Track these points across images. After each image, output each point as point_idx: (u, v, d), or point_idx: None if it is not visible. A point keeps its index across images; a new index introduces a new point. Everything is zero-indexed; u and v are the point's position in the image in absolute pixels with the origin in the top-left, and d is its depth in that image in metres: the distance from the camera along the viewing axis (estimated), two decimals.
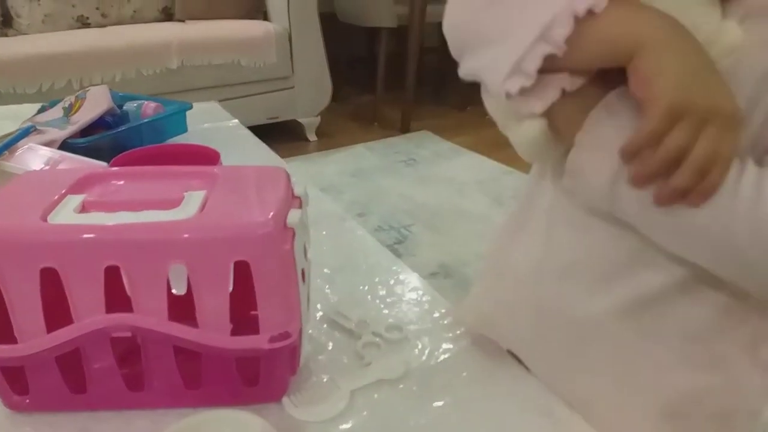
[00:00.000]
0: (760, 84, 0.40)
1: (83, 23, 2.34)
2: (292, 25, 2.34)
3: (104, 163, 0.79)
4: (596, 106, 0.42)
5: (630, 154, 0.39)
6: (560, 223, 0.51)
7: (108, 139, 0.96)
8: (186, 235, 0.45)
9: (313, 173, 2.25)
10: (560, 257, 0.51)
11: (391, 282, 0.68)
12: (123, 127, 0.98)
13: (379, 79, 2.77)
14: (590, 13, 0.40)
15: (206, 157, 0.82)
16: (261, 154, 1.06)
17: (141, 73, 2.09)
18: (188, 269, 0.45)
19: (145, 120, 1.01)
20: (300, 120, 2.51)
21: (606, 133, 0.42)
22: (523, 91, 0.42)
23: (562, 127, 0.44)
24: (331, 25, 2.82)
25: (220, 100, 2.26)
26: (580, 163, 0.43)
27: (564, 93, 0.42)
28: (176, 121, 1.08)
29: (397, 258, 0.74)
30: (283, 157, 2.39)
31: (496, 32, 0.44)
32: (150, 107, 1.05)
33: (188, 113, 1.18)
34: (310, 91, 2.46)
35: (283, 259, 0.46)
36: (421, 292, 0.67)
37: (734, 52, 0.39)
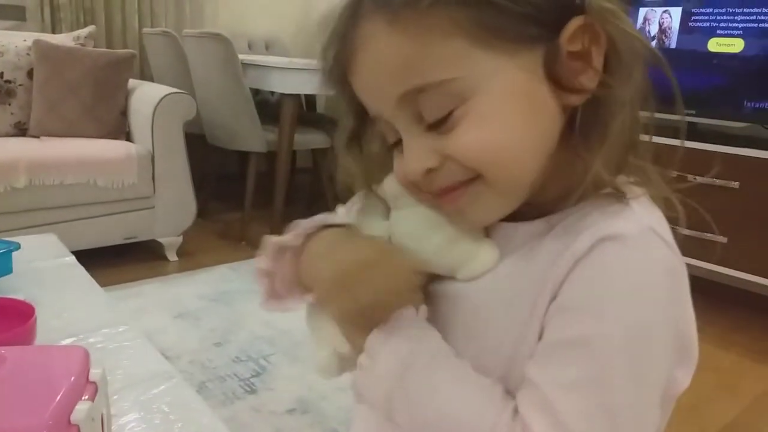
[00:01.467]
0: (508, 309, 0.45)
1: None
2: (156, 147, 2.32)
3: None
4: (374, 330, 0.46)
5: None
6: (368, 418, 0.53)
7: None
8: None
9: (170, 297, 2.15)
10: None
11: None
12: None
13: (248, 198, 2.78)
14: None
15: (19, 313, 0.76)
16: (94, 297, 1.00)
17: None
18: None
19: None
20: (160, 240, 2.43)
21: (380, 359, 0.45)
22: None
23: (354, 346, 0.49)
24: (200, 143, 2.83)
25: (72, 220, 2.16)
26: (360, 385, 0.47)
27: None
28: (0, 262, 1.00)
29: None
30: (139, 279, 2.31)
31: None
32: None
33: (22, 249, 1.11)
34: (172, 211, 2.41)
35: None
36: None
37: (488, 270, 0.44)
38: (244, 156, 2.97)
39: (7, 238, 1.07)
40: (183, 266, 2.47)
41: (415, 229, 0.47)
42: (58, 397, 0.45)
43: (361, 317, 0.46)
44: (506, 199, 0.44)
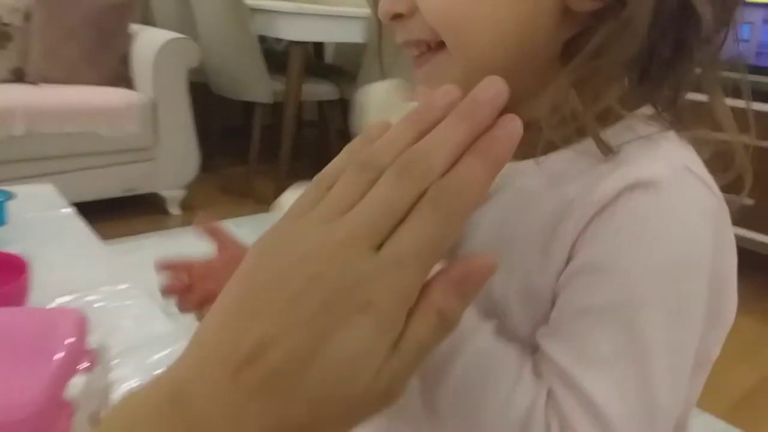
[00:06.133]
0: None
1: None
2: (158, 95, 2.23)
3: None
4: None
5: None
6: None
7: None
8: None
9: (172, 252, 2.09)
10: None
11: None
12: None
13: (253, 152, 2.70)
14: None
15: (11, 268, 0.70)
16: (93, 251, 0.94)
17: None
18: None
19: None
20: (161, 193, 2.37)
21: None
22: None
23: None
24: (204, 94, 2.73)
25: (71, 171, 2.09)
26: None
27: None
28: None
29: None
30: (140, 232, 2.24)
31: None
32: None
33: (17, 199, 1.05)
34: (174, 163, 2.34)
35: None
36: None
37: None
38: (248, 108, 2.88)
39: (1, 188, 1.00)
40: (186, 220, 2.41)
41: None
42: (51, 370, 0.39)
43: None
44: (471, 75, 0.37)
